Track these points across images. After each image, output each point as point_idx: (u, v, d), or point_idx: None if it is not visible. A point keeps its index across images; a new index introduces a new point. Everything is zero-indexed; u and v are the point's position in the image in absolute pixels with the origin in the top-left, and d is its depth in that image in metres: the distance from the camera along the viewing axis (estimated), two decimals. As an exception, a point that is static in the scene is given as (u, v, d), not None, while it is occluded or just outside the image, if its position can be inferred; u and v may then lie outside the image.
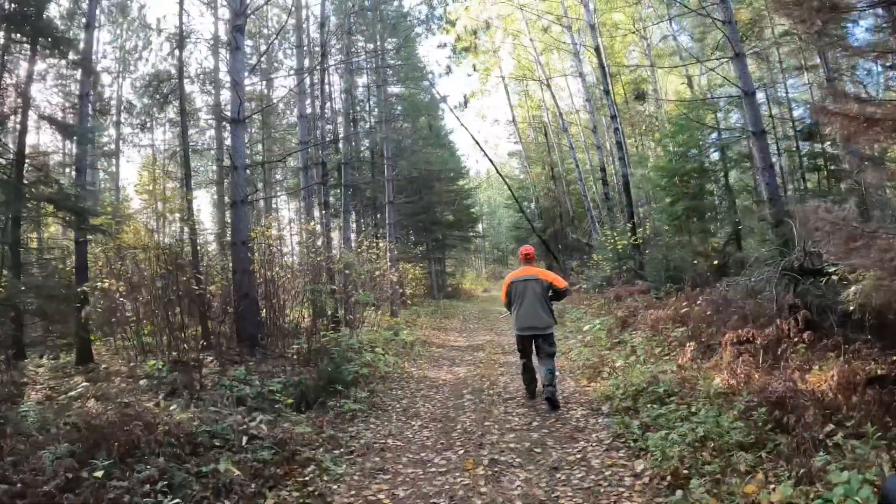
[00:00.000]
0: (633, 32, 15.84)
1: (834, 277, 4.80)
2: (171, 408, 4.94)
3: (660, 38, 18.49)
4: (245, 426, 4.05)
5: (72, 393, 5.67)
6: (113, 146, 18.57)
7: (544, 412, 4.95)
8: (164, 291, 7.28)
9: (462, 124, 39.35)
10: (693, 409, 4.04)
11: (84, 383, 6.18)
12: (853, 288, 4.56)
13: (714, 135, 11.75)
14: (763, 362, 4.90)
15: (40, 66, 10.19)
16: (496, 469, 3.65)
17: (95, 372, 7.06)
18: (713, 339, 5.90)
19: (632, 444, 3.85)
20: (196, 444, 4.02)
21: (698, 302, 7.05)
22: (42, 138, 13.83)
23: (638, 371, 5.29)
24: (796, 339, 4.66)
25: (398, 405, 5.60)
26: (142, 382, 6.22)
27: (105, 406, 4.39)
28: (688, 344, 5.60)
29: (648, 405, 4.40)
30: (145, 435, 3.87)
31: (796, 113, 12.88)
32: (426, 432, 4.62)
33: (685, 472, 3.26)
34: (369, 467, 3.85)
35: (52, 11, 10.47)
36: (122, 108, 17.77)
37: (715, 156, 12.23)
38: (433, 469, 3.76)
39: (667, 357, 5.83)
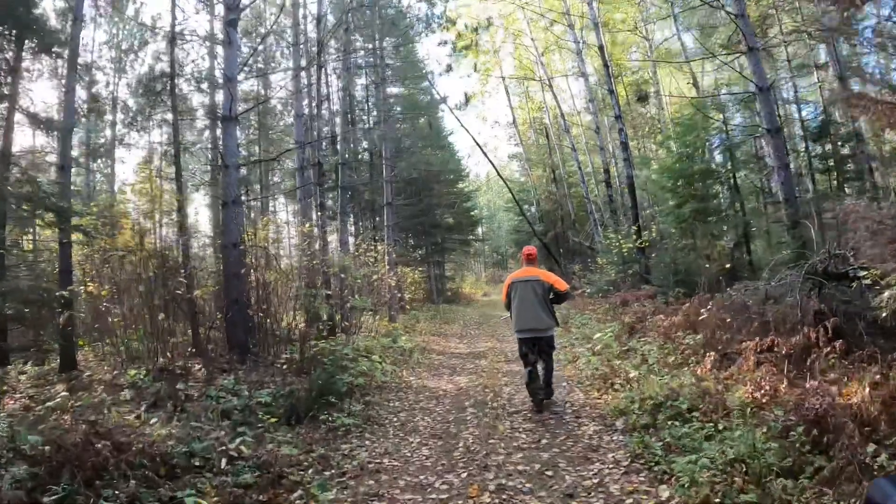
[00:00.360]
0: (635, 29, 15.53)
1: (867, 281, 4.43)
2: (152, 421, 4.60)
3: (663, 39, 18.23)
4: (225, 447, 3.66)
5: (49, 403, 5.30)
6: (109, 147, 18.22)
7: (553, 427, 4.58)
8: (150, 296, 6.92)
9: (462, 125, 38.97)
10: (720, 427, 3.67)
11: (63, 393, 5.80)
12: (887, 293, 4.22)
13: (721, 135, 11.39)
14: (788, 373, 4.55)
15: (36, 64, 9.87)
16: (504, 497, 3.27)
17: (78, 380, 6.71)
18: (729, 347, 5.55)
19: (654, 467, 3.46)
20: (173, 466, 3.65)
21: (708, 307, 6.72)
22: (38, 139, 13.48)
23: (653, 383, 4.92)
24: (828, 350, 4.29)
25: (395, 419, 5.22)
26: (124, 392, 5.87)
27: (75, 421, 4.00)
28: (707, 353, 5.23)
29: (669, 421, 4.03)
30: (114, 456, 3.50)
31: (805, 112, 12.58)
32: (426, 450, 4.24)
33: (717, 501, 2.90)
34: (363, 492, 3.47)
35: (48, 10, 10.19)
36: (119, 108, 17.45)
37: (720, 157, 11.91)
38: (433, 495, 3.38)
39: (682, 366, 5.46)
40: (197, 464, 3.74)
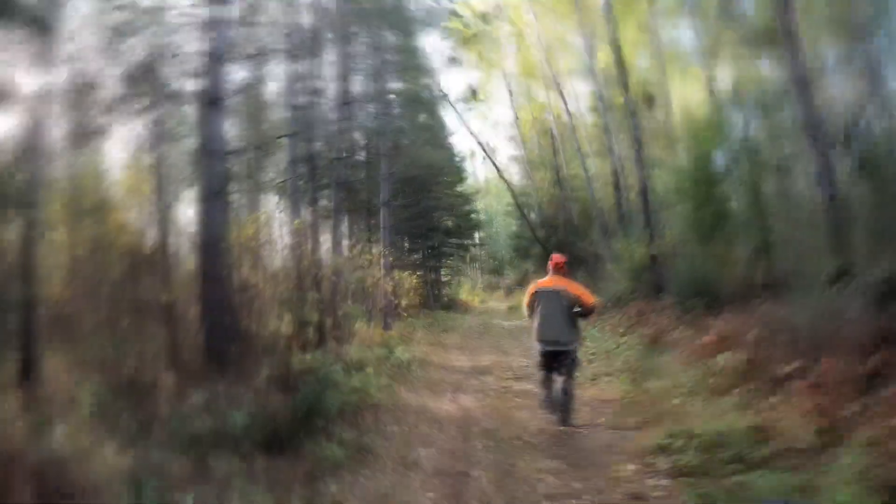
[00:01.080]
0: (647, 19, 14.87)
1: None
2: (107, 448, 3.86)
3: (668, 41, 17.63)
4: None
5: (-5, 423, 4.52)
6: (96, 136, 17.47)
7: (583, 466, 3.85)
8: (115, 298, 6.16)
9: (462, 121, 38.41)
10: (805, 476, 2.96)
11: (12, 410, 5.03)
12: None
13: (742, 135, 10.75)
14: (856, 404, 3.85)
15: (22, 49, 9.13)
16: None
17: (34, 393, 5.96)
18: (775, 370, 4.84)
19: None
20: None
21: (734, 321, 6.06)
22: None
23: (695, 412, 4.21)
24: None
25: (393, 448, 4.45)
26: (84, 409, 5.12)
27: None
28: (756, 377, 4.53)
29: (729, 466, 3.31)
30: (36, 509, 2.76)
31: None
32: (431, 495, 3.48)
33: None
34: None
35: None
36: (110, 96, 16.70)
37: (738, 159, 11.28)
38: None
39: (722, 393, 4.75)
40: (147, 513, 3.01)
